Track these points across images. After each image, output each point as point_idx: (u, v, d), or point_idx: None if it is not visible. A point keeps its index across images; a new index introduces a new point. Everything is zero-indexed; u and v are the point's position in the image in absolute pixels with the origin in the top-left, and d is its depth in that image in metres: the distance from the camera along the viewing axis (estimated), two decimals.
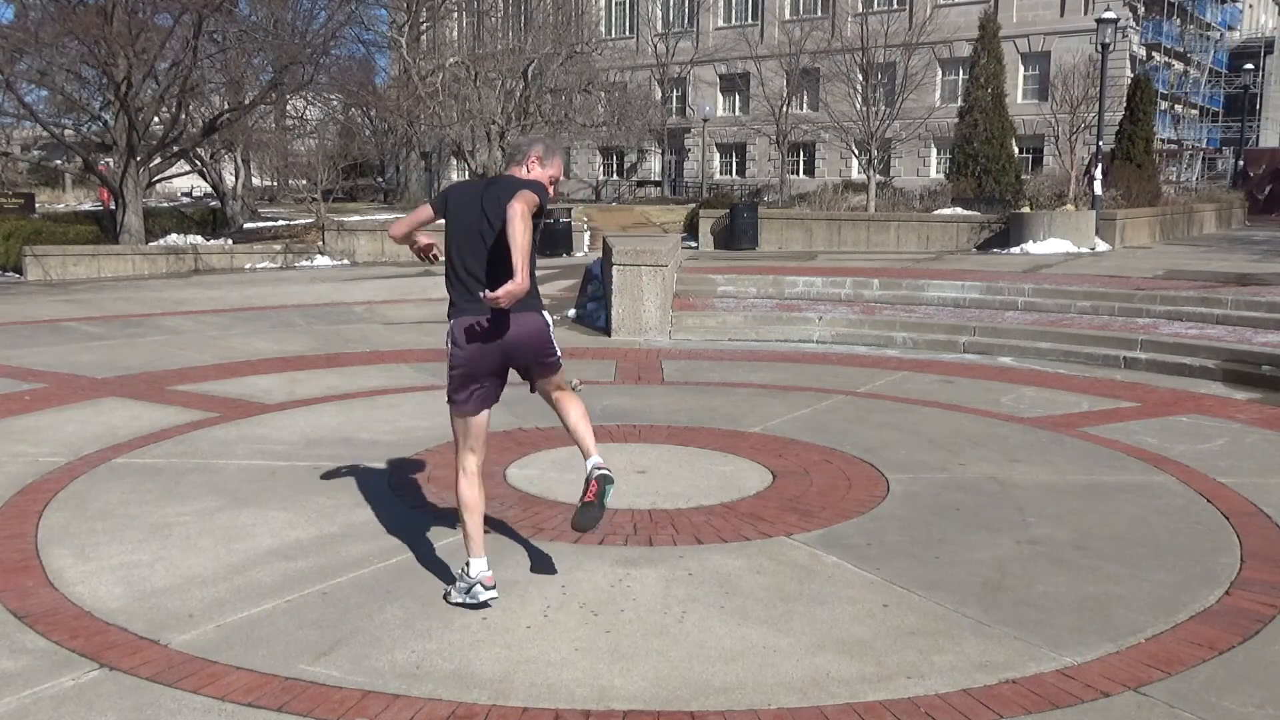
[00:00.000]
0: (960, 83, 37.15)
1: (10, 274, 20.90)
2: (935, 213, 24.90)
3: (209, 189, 31.93)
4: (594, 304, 14.36)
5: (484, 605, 4.22)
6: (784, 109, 41.32)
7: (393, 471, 6.33)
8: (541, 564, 4.78)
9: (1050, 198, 24.29)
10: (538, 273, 4.20)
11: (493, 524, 5.31)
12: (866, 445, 7.05)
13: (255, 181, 39.48)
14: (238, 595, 4.39)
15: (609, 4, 54.82)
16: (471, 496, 4.28)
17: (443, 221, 4.29)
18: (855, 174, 42.51)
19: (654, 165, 53.43)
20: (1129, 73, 38.01)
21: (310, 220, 27.73)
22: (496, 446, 5.82)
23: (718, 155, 52.43)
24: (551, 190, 4.29)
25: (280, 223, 30.10)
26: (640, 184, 52.54)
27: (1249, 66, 49.60)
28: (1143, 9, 44.21)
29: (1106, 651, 3.92)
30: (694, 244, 24.56)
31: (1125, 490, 6.07)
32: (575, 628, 4.10)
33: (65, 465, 6.39)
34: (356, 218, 29.93)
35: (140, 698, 3.51)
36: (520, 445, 6.94)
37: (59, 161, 33.80)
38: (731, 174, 51.71)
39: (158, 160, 24.80)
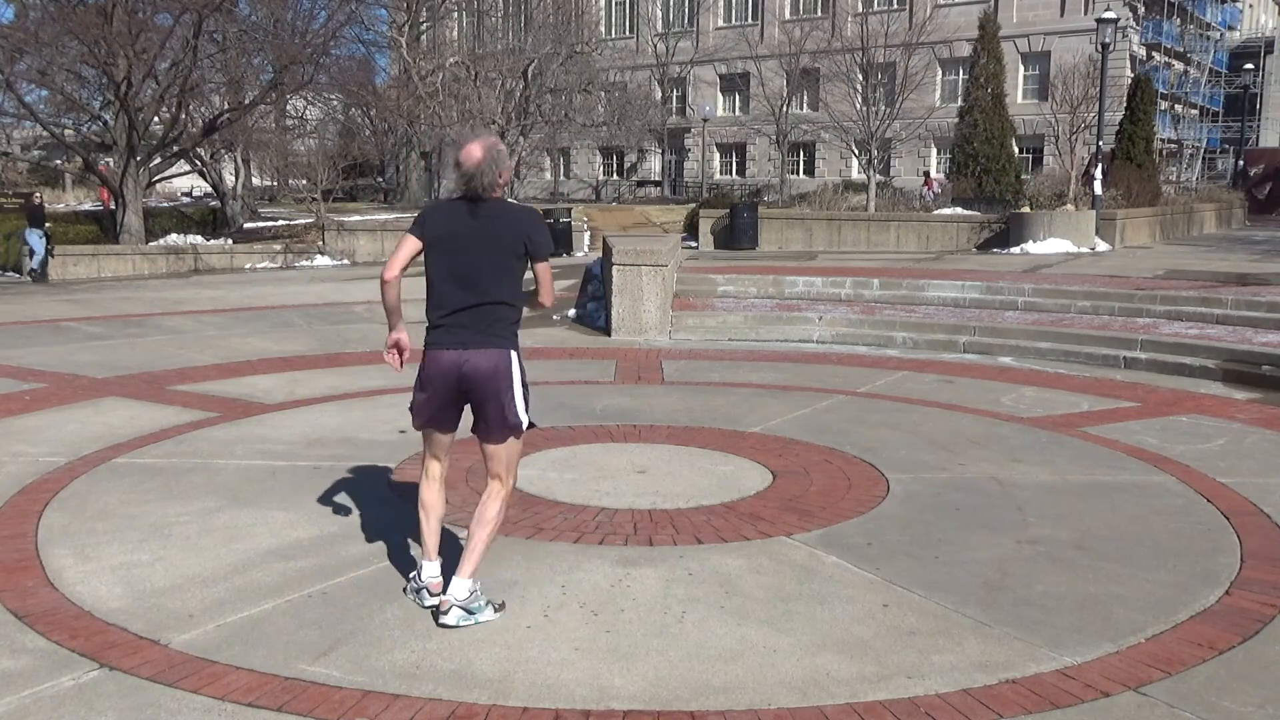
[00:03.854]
0: (960, 83, 37.13)
1: (10, 274, 20.89)
2: (935, 213, 24.91)
3: (209, 189, 31.95)
4: (594, 304, 14.36)
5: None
6: (784, 109, 41.31)
7: (393, 471, 6.33)
8: (541, 564, 4.78)
9: (1050, 198, 24.32)
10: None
11: None
12: (866, 445, 7.05)
13: (255, 181, 39.48)
14: (238, 595, 4.39)
15: (609, 4, 54.79)
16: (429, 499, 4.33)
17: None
18: (855, 174, 42.50)
19: (654, 165, 53.42)
20: (1129, 73, 37.99)
21: (310, 220, 27.73)
22: None
23: (718, 155, 52.42)
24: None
25: (280, 223, 30.09)
26: (640, 184, 52.55)
27: (1249, 66, 49.58)
28: (1143, 9, 44.20)
29: (1106, 651, 3.92)
30: (694, 244, 24.56)
31: (1125, 490, 6.07)
32: (575, 628, 4.10)
33: (65, 465, 6.39)
34: (356, 218, 29.93)
35: (140, 698, 3.51)
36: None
37: (59, 161, 33.82)
38: (731, 174, 51.70)
39: (158, 160, 24.81)
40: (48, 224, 20.61)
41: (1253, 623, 4.19)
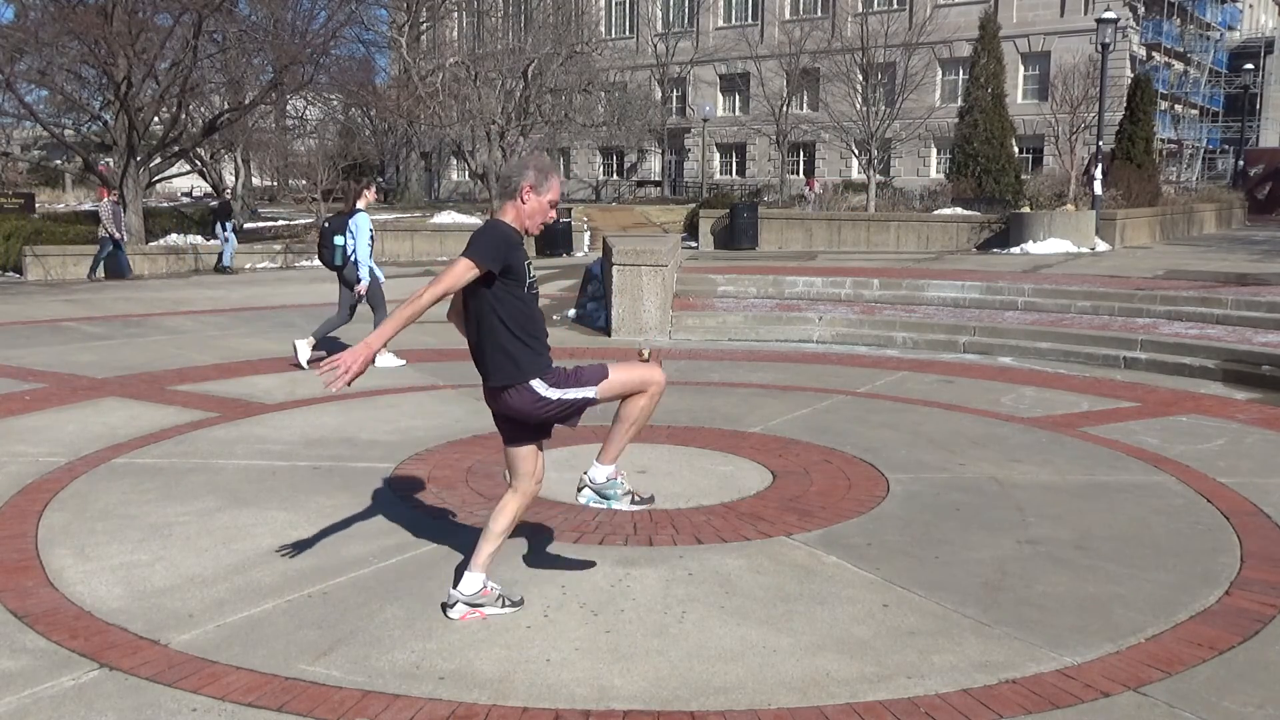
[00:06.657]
0: (960, 83, 37.16)
1: (10, 274, 20.90)
2: (935, 213, 24.93)
3: (209, 189, 32.00)
4: (594, 304, 14.36)
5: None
6: (784, 109, 41.33)
7: (393, 471, 6.33)
8: (541, 563, 4.78)
9: (1050, 198, 24.32)
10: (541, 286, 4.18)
11: None
12: (866, 445, 7.05)
13: (255, 181, 39.51)
14: (238, 595, 4.39)
15: (609, 4, 54.82)
16: None
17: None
18: (855, 174, 42.54)
19: (654, 165, 53.45)
20: (1129, 73, 38.01)
21: (310, 220, 27.77)
22: (495, 447, 5.84)
23: (718, 155, 52.43)
24: (552, 213, 4.15)
25: (280, 223, 30.12)
26: (640, 184, 52.56)
27: (1249, 66, 49.61)
28: (1143, 9, 44.23)
29: (1106, 651, 3.92)
30: (694, 244, 24.57)
31: (1125, 490, 6.07)
32: (575, 628, 4.10)
33: (65, 465, 6.39)
34: None
35: (140, 698, 3.51)
36: None
37: (59, 161, 33.84)
38: (731, 174, 51.72)
39: (158, 160, 24.83)
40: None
41: (1253, 623, 4.19)
